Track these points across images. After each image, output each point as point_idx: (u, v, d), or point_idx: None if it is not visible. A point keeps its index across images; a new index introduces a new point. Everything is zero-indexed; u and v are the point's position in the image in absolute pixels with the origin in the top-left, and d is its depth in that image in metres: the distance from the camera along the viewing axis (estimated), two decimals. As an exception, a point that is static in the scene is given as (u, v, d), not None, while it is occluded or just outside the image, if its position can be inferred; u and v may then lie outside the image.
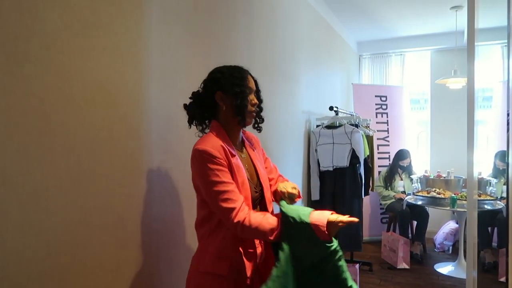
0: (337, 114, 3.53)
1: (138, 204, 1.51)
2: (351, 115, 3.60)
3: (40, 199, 1.13)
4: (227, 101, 1.38)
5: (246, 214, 1.28)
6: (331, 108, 3.45)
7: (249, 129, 1.55)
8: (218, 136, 1.36)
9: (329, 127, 3.50)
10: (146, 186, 1.54)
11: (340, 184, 3.43)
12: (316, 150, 3.49)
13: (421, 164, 5.46)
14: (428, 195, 4.02)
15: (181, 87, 1.75)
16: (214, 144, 1.30)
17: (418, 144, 5.77)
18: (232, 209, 1.26)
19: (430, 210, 4.59)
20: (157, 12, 1.60)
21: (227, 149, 1.32)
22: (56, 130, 1.18)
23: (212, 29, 2.01)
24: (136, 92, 1.50)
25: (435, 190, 4.09)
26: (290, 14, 3.11)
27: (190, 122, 1.46)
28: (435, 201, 3.97)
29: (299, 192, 1.51)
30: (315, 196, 3.47)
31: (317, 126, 3.60)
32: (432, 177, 4.31)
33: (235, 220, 1.26)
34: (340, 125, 3.47)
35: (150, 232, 1.56)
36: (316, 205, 3.52)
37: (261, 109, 1.49)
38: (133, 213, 1.48)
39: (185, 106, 1.47)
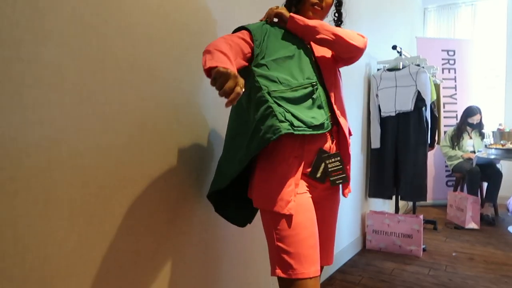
0: (400, 55, 3.27)
1: (194, 103, 1.47)
2: (417, 56, 3.30)
3: (96, 70, 1.10)
4: None
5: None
6: (394, 47, 3.19)
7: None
8: None
9: (391, 69, 3.26)
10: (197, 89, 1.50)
11: (403, 130, 3.19)
12: (377, 95, 3.27)
13: (494, 122, 4.98)
14: (504, 147, 3.64)
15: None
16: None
17: (490, 98, 5.23)
18: None
19: (504, 170, 4.19)
20: None
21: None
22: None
23: None
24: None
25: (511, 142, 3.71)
26: None
27: None
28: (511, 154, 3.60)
29: None
30: (376, 144, 3.27)
31: (378, 69, 3.37)
32: (508, 130, 3.90)
33: None
34: (403, 67, 3.21)
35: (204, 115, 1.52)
36: (376, 153, 3.32)
37: (340, 13, 1.46)
38: (190, 111, 1.44)
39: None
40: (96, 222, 1.11)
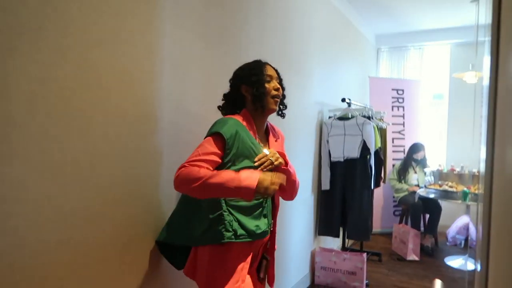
0: (349, 106, 3.57)
1: (149, 184, 1.62)
2: (364, 107, 3.61)
3: (57, 175, 1.24)
4: (249, 91, 1.52)
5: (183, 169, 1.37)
6: (343, 100, 3.48)
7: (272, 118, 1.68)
8: (243, 120, 1.50)
9: (341, 118, 3.54)
10: (157, 168, 1.65)
11: (350, 175, 3.47)
12: (327, 141, 3.54)
13: (437, 158, 5.43)
14: (440, 188, 4.02)
15: (193, 77, 1.85)
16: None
17: (435, 138, 5.73)
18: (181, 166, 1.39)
19: (444, 204, 4.59)
20: (170, 4, 1.69)
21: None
22: (74, 114, 1.29)
23: (224, 23, 2.09)
24: (150, 80, 1.60)
25: (448, 183, 4.09)
26: (304, 7, 3.15)
27: None
28: (447, 194, 3.98)
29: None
30: (326, 186, 3.53)
31: (329, 117, 3.65)
32: (445, 170, 4.30)
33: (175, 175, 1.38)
34: (352, 117, 3.51)
35: (159, 209, 1.68)
36: (326, 195, 3.58)
37: (283, 96, 1.62)
38: (144, 192, 1.59)
39: (219, 107, 1.64)
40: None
